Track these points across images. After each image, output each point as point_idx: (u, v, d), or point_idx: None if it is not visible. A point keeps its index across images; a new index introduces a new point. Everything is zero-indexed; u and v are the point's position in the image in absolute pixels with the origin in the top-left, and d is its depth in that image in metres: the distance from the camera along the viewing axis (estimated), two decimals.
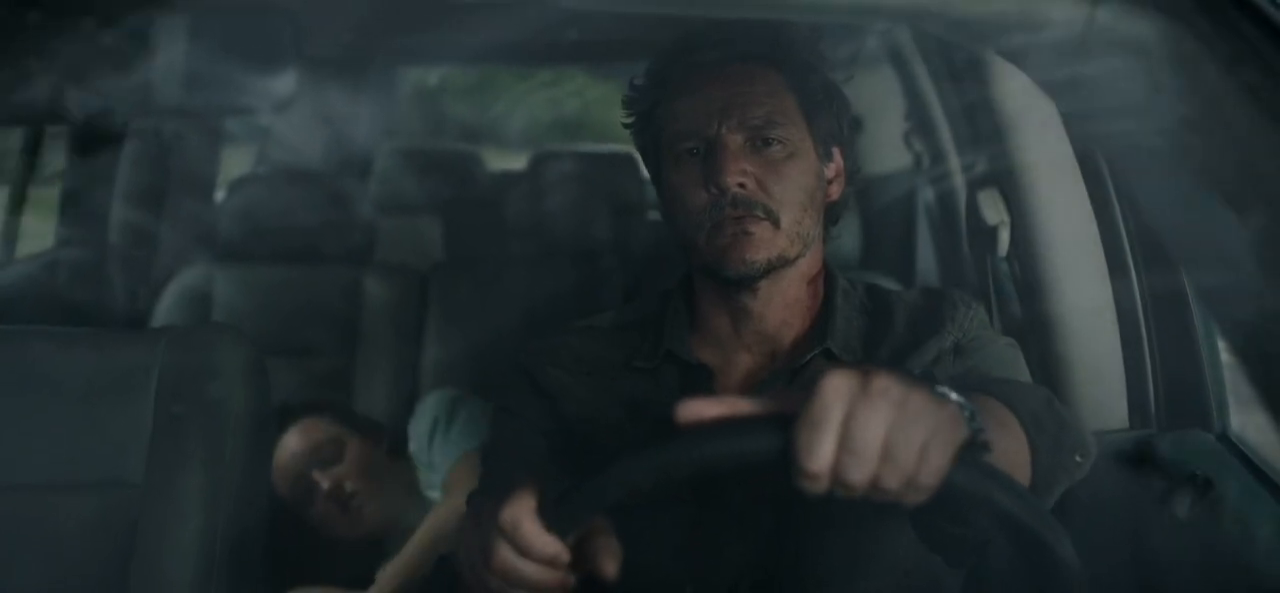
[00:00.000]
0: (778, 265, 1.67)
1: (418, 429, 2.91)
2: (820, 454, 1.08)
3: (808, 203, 1.68)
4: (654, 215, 4.23)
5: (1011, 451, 1.37)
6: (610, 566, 1.25)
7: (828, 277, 1.79)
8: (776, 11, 1.70)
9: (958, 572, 1.69)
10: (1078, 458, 1.50)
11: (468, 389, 2.98)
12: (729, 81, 1.68)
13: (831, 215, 1.80)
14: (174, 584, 1.89)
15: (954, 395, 1.21)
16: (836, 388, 1.10)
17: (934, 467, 1.10)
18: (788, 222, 1.66)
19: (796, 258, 1.69)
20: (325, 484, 2.74)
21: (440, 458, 2.80)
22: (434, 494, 2.79)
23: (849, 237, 3.53)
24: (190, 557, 1.90)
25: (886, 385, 1.10)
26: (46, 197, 3.78)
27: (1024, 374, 1.74)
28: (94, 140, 3.70)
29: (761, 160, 1.66)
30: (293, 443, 2.78)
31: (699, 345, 1.77)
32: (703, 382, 1.73)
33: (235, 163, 4.67)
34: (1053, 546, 1.17)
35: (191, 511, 1.92)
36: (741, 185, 1.64)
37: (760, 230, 1.65)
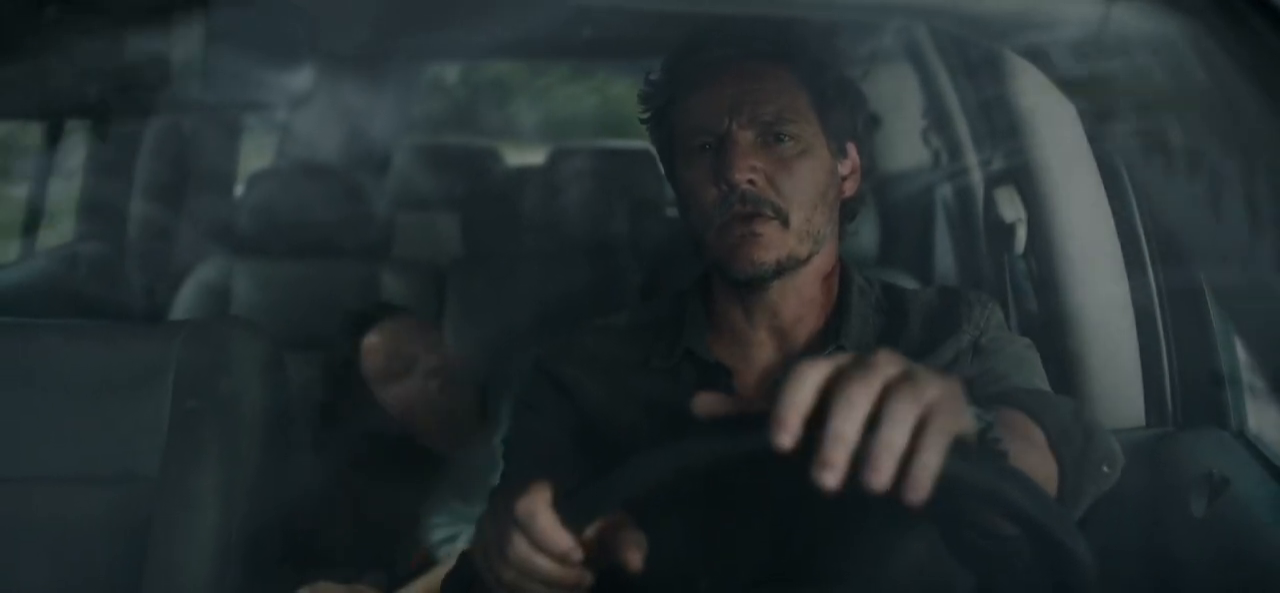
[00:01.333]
0: (788, 266, 1.66)
1: None
2: (809, 387, 1.08)
3: (819, 200, 1.68)
4: (672, 212, 4.23)
5: (1037, 463, 1.36)
6: (635, 557, 1.25)
7: (843, 274, 1.79)
8: (792, 8, 1.70)
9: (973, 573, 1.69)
10: (1105, 469, 1.48)
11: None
12: (740, 78, 1.68)
13: (848, 212, 1.79)
14: (189, 579, 1.89)
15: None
16: (841, 360, 1.09)
17: (939, 422, 1.08)
18: (797, 220, 1.65)
19: (809, 257, 1.69)
20: (433, 360, 2.74)
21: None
22: None
23: (867, 234, 3.52)
24: (205, 552, 1.91)
25: (891, 353, 1.09)
26: (66, 190, 3.80)
27: (1041, 375, 1.73)
28: (113, 135, 3.72)
29: (772, 157, 1.65)
30: (399, 325, 2.78)
31: (716, 344, 1.77)
32: (721, 381, 1.72)
33: (254, 158, 4.69)
34: (1067, 542, 1.17)
35: (207, 505, 1.92)
36: (750, 182, 1.63)
37: (769, 230, 1.64)
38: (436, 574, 2.56)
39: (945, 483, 1.10)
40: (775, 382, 1.70)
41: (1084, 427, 1.48)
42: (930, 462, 1.06)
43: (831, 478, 1.06)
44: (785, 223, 1.64)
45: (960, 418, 1.13)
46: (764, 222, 1.64)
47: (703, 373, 1.73)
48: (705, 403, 1.18)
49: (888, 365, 1.08)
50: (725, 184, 1.63)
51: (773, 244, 1.64)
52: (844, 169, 1.74)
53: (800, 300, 1.73)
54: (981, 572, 1.60)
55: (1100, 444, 1.49)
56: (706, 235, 1.68)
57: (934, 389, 1.08)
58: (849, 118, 1.74)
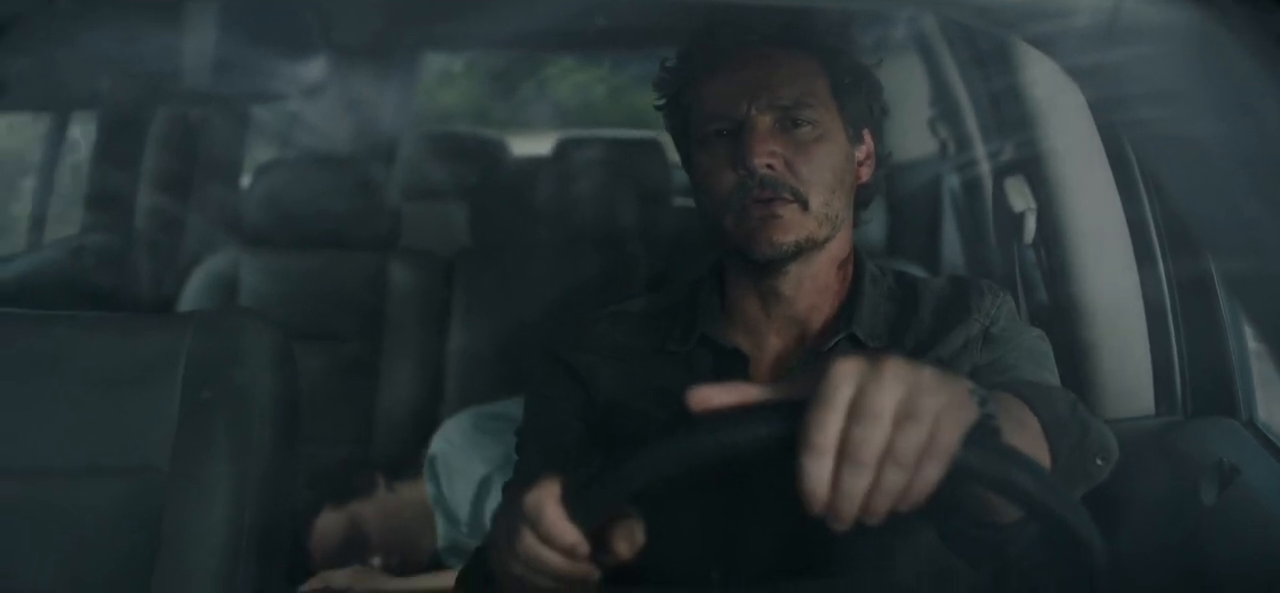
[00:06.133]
0: (806, 248, 1.67)
1: (453, 467, 2.84)
2: (829, 433, 1.08)
3: (836, 185, 1.68)
4: (679, 201, 4.23)
5: (1030, 448, 1.35)
6: (624, 548, 1.25)
7: (856, 262, 1.79)
8: None
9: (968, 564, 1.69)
10: (1099, 461, 1.48)
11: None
12: (759, 63, 1.68)
13: (862, 198, 1.80)
14: (200, 571, 1.89)
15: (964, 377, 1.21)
16: (845, 370, 1.09)
17: (945, 443, 1.09)
18: (816, 204, 1.65)
19: (826, 240, 1.69)
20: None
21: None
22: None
23: (875, 223, 3.53)
24: (216, 543, 1.90)
25: (895, 364, 1.09)
26: (73, 182, 3.80)
27: (1052, 367, 1.73)
28: (121, 126, 3.72)
29: (790, 141, 1.65)
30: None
31: (731, 330, 1.77)
32: (737, 366, 1.73)
33: (261, 148, 4.68)
34: (1078, 529, 1.17)
35: (218, 497, 1.92)
36: (769, 166, 1.63)
37: (788, 213, 1.64)
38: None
39: (956, 471, 1.10)
40: (789, 370, 1.71)
41: (1080, 419, 1.48)
42: (938, 470, 1.08)
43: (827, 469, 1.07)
44: (805, 206, 1.65)
45: (967, 417, 1.13)
46: (784, 204, 1.64)
47: (719, 358, 1.74)
48: (701, 397, 1.17)
49: (898, 381, 1.08)
50: (744, 169, 1.63)
51: (792, 226, 1.65)
52: (859, 155, 1.75)
53: (815, 286, 1.73)
54: (976, 562, 1.60)
55: (1096, 437, 1.48)
56: (723, 220, 1.68)
57: (942, 395, 1.09)
58: (865, 104, 1.75)
